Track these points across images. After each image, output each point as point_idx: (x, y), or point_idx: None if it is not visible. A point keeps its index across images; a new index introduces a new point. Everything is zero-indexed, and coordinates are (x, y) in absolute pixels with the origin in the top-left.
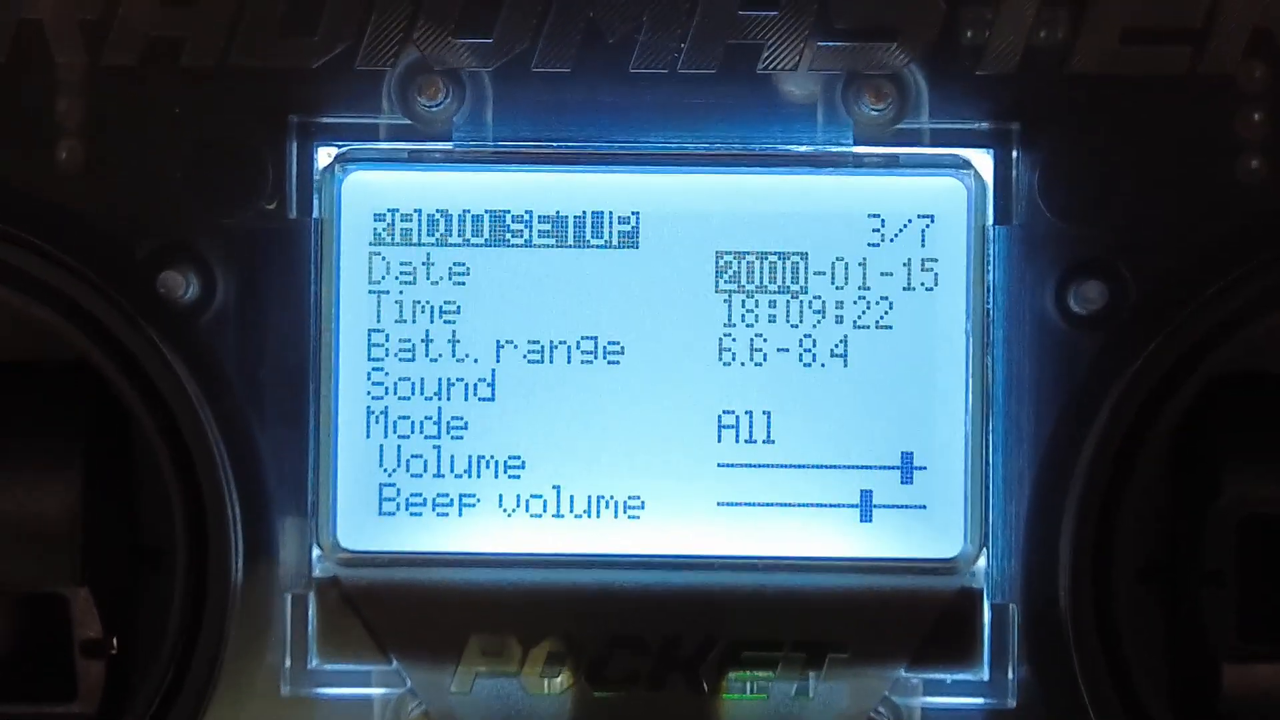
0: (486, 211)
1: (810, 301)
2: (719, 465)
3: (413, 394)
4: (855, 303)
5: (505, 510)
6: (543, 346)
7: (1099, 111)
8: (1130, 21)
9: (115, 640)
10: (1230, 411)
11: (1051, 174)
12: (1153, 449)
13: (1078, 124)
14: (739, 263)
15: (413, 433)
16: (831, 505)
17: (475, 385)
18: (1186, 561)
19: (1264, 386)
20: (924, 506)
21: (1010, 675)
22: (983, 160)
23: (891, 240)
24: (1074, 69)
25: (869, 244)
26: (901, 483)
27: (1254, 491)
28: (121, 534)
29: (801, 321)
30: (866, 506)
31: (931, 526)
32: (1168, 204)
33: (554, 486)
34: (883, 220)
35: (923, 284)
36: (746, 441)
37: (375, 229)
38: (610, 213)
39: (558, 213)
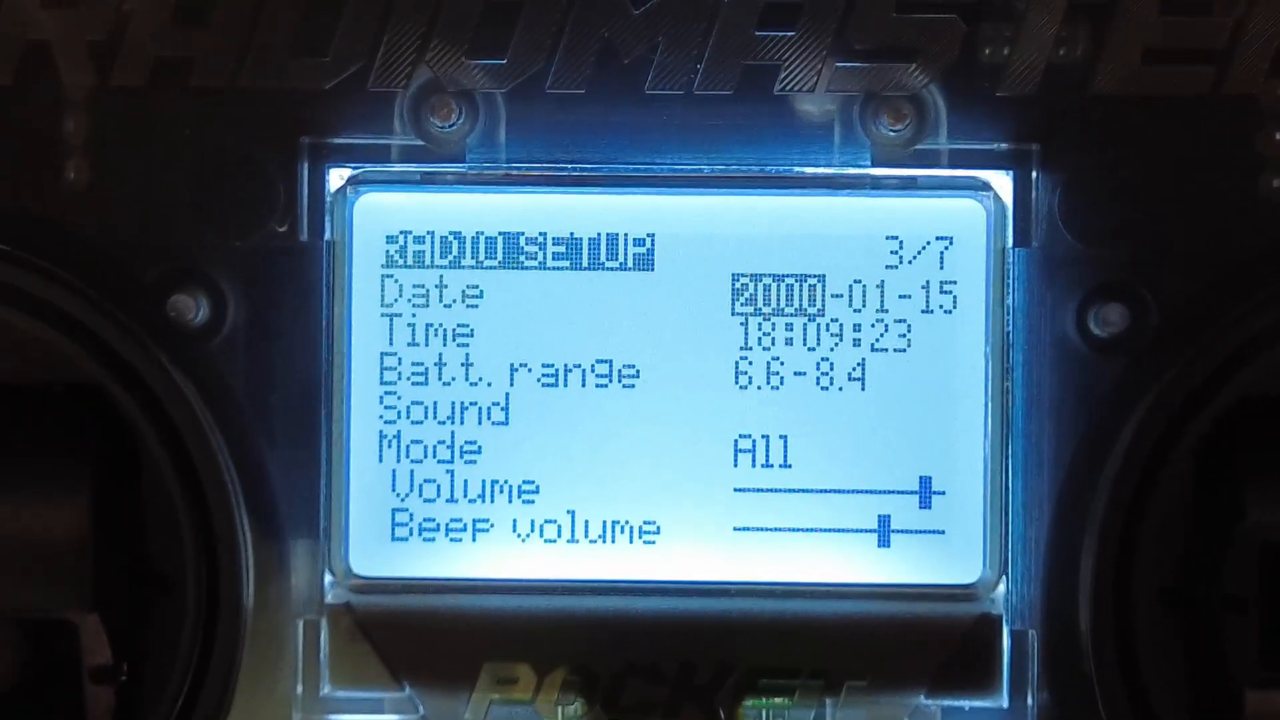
0: (500, 234)
1: (827, 324)
2: (735, 490)
3: (426, 418)
4: (873, 326)
5: (519, 536)
6: (557, 370)
7: (1120, 132)
8: (1152, 41)
9: (125, 667)
10: (1253, 435)
11: (1072, 195)
12: (1174, 473)
13: (1098, 145)
14: (755, 285)
15: (426, 457)
16: (849, 530)
17: (489, 409)
18: (1208, 587)
19: None
20: (943, 531)
21: (1030, 702)
22: (1002, 182)
23: (910, 262)
24: (1095, 89)
25: (887, 266)
26: (920, 507)
27: (1276, 518)
28: (131, 559)
29: (819, 344)
30: (884, 532)
31: (950, 552)
32: (1189, 225)
33: (568, 511)
34: (901, 242)
35: (941, 307)
36: (763, 466)
37: (388, 251)
38: (625, 235)
39: (572, 235)
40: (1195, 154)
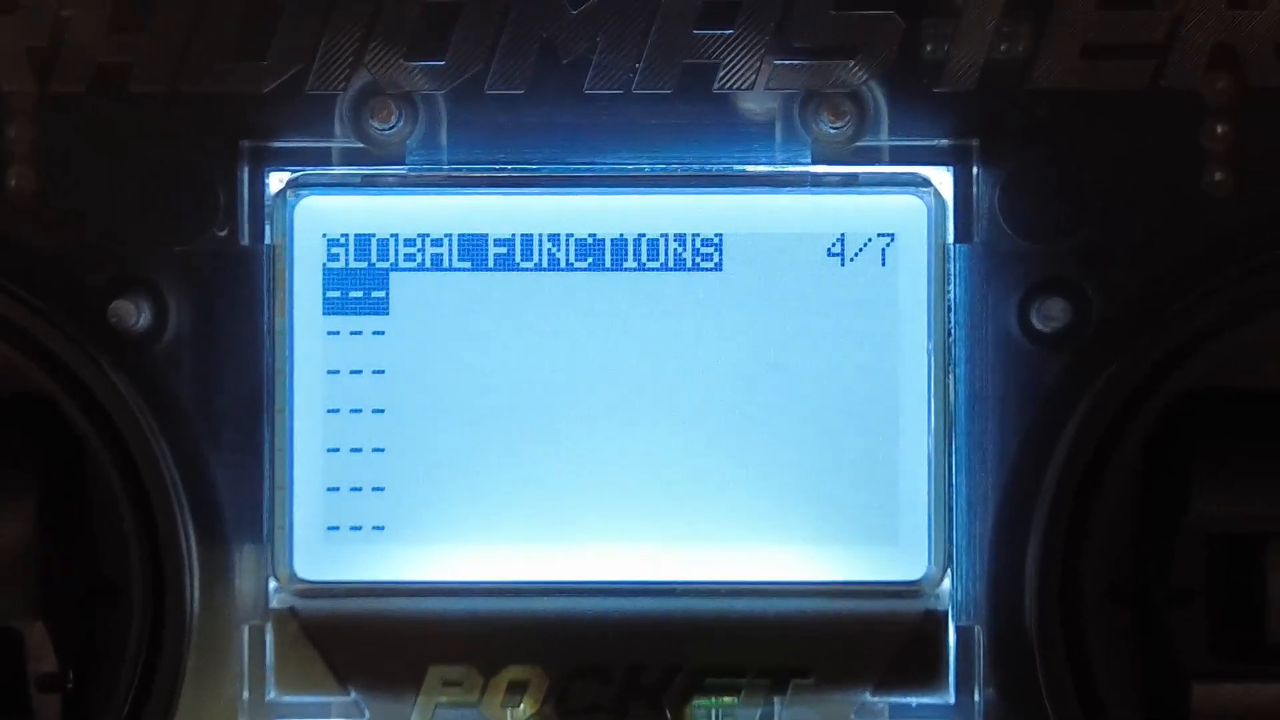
0: (442, 235)
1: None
2: (679, 489)
3: (368, 421)
4: (815, 322)
5: (464, 538)
6: (501, 371)
7: (1060, 127)
8: (1091, 36)
9: (71, 674)
10: (1197, 428)
11: (1012, 191)
12: (1119, 467)
13: (1038, 140)
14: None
15: (368, 460)
16: (794, 528)
17: (431, 411)
18: (1155, 580)
19: (1231, 402)
20: (887, 529)
21: (976, 698)
22: (943, 178)
23: (852, 259)
24: (1034, 84)
25: (829, 262)
26: (864, 505)
27: (1221, 509)
28: (77, 567)
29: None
30: (829, 529)
31: (895, 549)
32: (1131, 219)
33: (514, 512)
34: (843, 239)
35: (884, 303)
36: (707, 464)
37: (329, 254)
38: (569, 235)
39: (514, 235)
40: (1136, 149)
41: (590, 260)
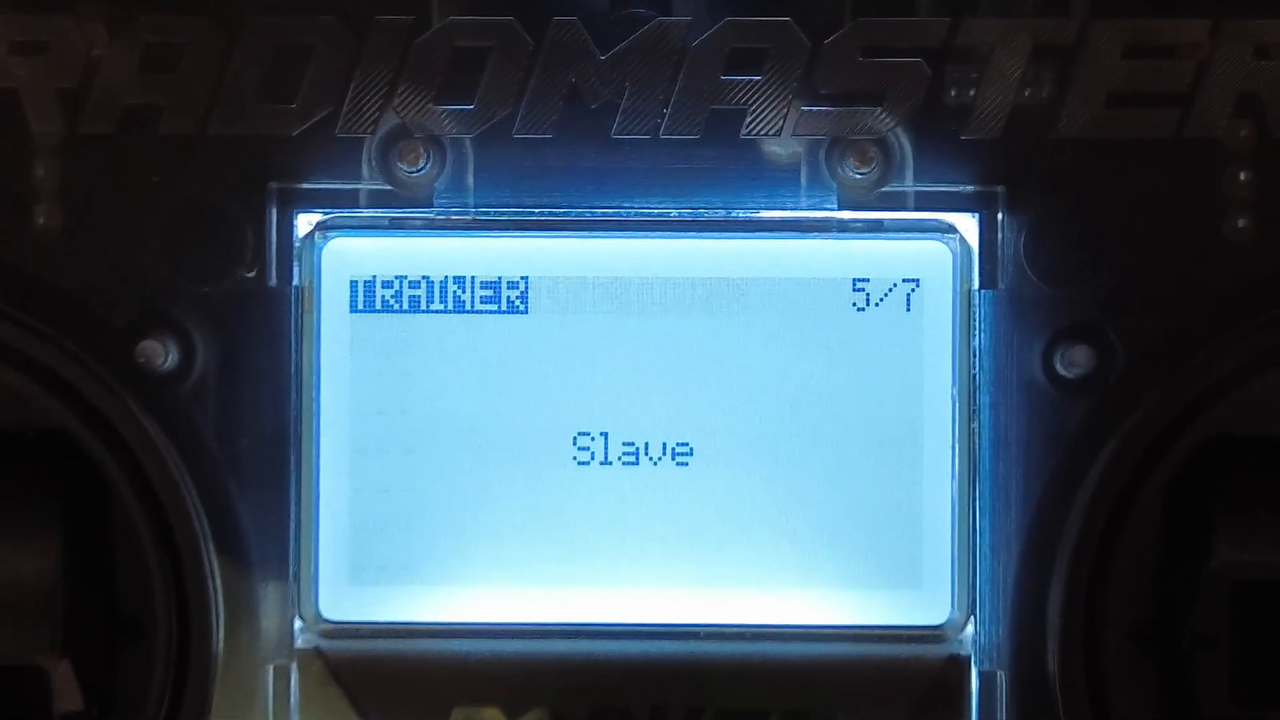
0: (469, 277)
1: (796, 366)
2: (704, 532)
3: (394, 461)
4: (841, 367)
5: (489, 579)
6: (525, 414)
7: (1084, 174)
8: (1116, 85)
9: (96, 712)
10: (1222, 475)
11: (1037, 237)
12: (1142, 513)
13: (1063, 187)
14: (724, 329)
15: (394, 501)
16: (818, 572)
17: (456, 452)
18: (1178, 624)
19: (1256, 450)
20: (911, 573)
21: None
22: (968, 224)
23: (877, 304)
24: (1059, 132)
25: (854, 308)
26: (888, 549)
27: (1246, 556)
28: (101, 604)
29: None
30: (853, 573)
31: (919, 593)
32: (1155, 267)
33: (538, 554)
34: (868, 284)
35: (908, 348)
36: (732, 509)
37: (356, 296)
38: (595, 278)
39: (541, 279)
40: (1160, 196)
41: (616, 304)
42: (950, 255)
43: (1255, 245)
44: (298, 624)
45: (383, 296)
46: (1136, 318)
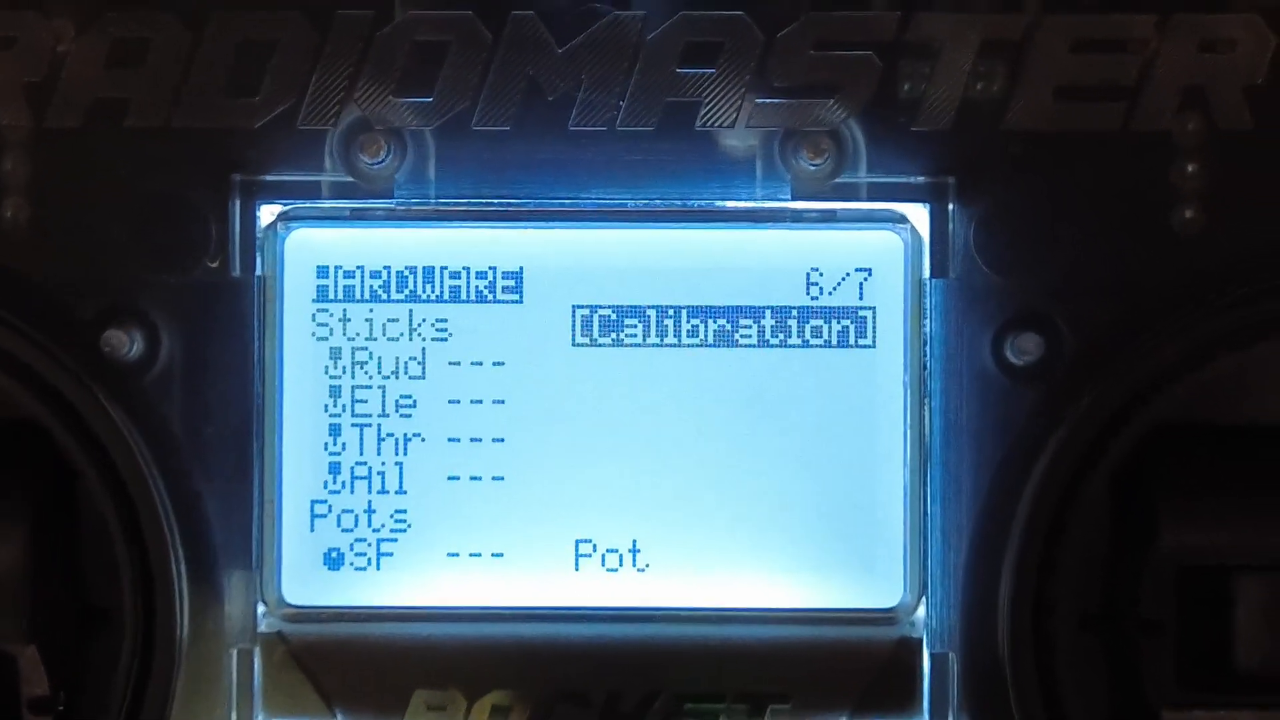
0: (429, 267)
1: (749, 355)
2: (660, 516)
3: (357, 449)
4: (794, 356)
5: (450, 563)
6: (489, 401)
7: (1034, 166)
8: (1064, 78)
9: (63, 697)
10: (1168, 462)
11: (987, 227)
12: (1090, 499)
13: (1013, 178)
14: (678, 318)
15: (356, 487)
16: (772, 556)
17: (417, 439)
18: (1125, 610)
19: (1201, 437)
20: (864, 557)
21: None
22: (919, 214)
23: (829, 293)
24: (1009, 124)
25: (807, 296)
26: (841, 534)
27: (1190, 541)
28: (68, 591)
29: (740, 375)
30: (806, 558)
31: (871, 577)
32: (1103, 256)
33: (498, 540)
34: (821, 274)
35: (860, 336)
36: (685, 492)
37: (318, 286)
38: (555, 268)
39: (498, 269)
40: (1108, 187)
41: (574, 292)
42: (902, 245)
43: (1202, 236)
44: (260, 609)
45: (344, 286)
46: (1085, 306)
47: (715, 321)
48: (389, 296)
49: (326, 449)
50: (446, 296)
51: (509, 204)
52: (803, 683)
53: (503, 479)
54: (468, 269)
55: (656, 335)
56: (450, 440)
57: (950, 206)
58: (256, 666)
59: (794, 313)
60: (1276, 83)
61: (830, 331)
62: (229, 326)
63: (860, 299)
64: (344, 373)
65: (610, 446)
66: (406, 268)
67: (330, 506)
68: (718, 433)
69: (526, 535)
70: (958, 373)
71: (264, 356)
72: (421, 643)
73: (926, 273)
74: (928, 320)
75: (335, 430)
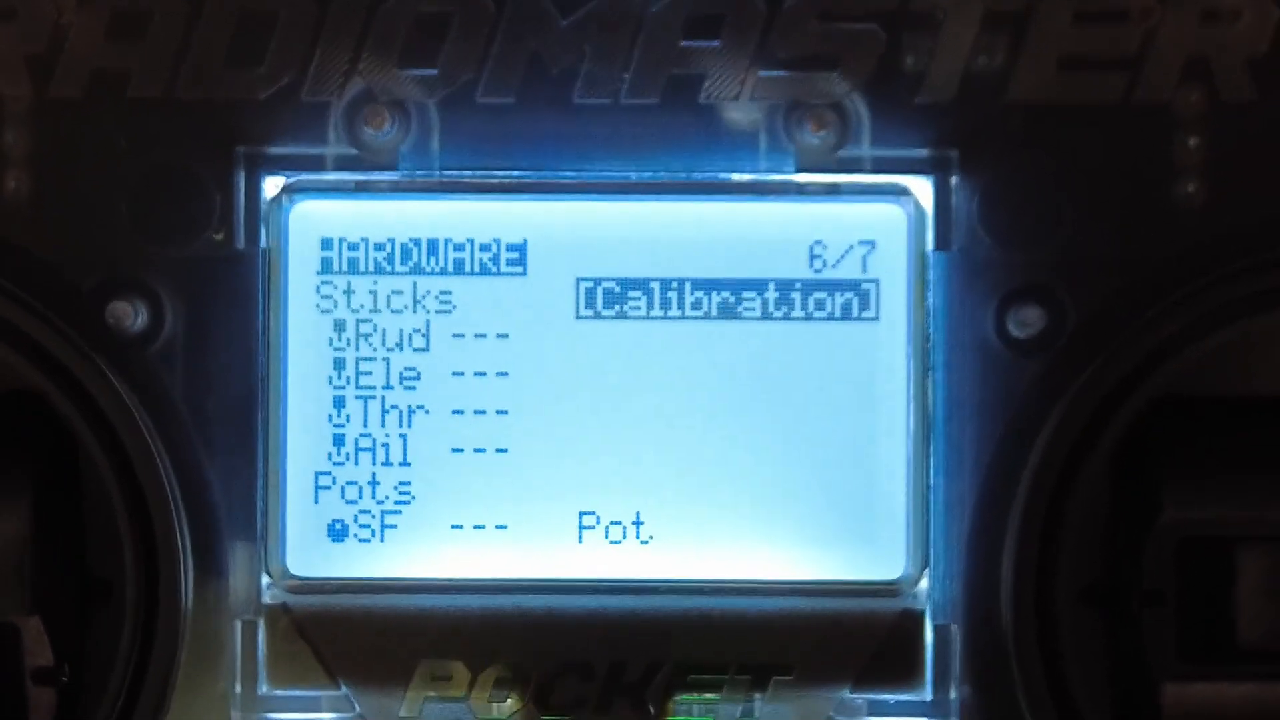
0: (433, 239)
1: (752, 327)
2: (664, 489)
3: (361, 421)
4: (797, 327)
5: (454, 535)
6: (492, 374)
7: (1037, 138)
8: (1067, 49)
9: (66, 668)
10: (1170, 434)
11: (990, 200)
12: (1092, 471)
13: (1016, 150)
14: (681, 290)
15: (361, 459)
16: (775, 528)
17: (421, 411)
18: (1127, 582)
19: (1203, 409)
20: (867, 529)
21: (953, 695)
22: (923, 187)
23: (833, 265)
24: (1011, 96)
25: (811, 269)
26: (844, 506)
27: (1192, 513)
28: (71, 562)
29: (744, 347)
30: (809, 530)
31: (874, 549)
32: (1105, 229)
33: (502, 512)
34: (824, 246)
35: (864, 309)
36: (690, 465)
37: (322, 258)
38: (560, 240)
39: (503, 241)
40: (1110, 160)
41: (578, 264)
42: (905, 217)
43: (1203, 209)
44: (265, 580)
45: (349, 258)
46: (1087, 279)
47: (719, 294)
48: (393, 269)
49: (330, 421)
50: (450, 269)
51: (513, 176)
52: (805, 654)
53: (506, 451)
54: (472, 241)
55: (660, 308)
56: (454, 412)
57: (953, 179)
58: (260, 638)
59: (797, 285)
60: (1279, 55)
61: (834, 304)
62: (233, 299)
63: (864, 272)
64: (348, 345)
65: (614, 419)
66: (411, 240)
67: (334, 478)
68: (721, 405)
69: (530, 507)
70: (960, 345)
71: (268, 329)
72: (425, 614)
73: (930, 245)
74: (930, 293)
75: (339, 402)
